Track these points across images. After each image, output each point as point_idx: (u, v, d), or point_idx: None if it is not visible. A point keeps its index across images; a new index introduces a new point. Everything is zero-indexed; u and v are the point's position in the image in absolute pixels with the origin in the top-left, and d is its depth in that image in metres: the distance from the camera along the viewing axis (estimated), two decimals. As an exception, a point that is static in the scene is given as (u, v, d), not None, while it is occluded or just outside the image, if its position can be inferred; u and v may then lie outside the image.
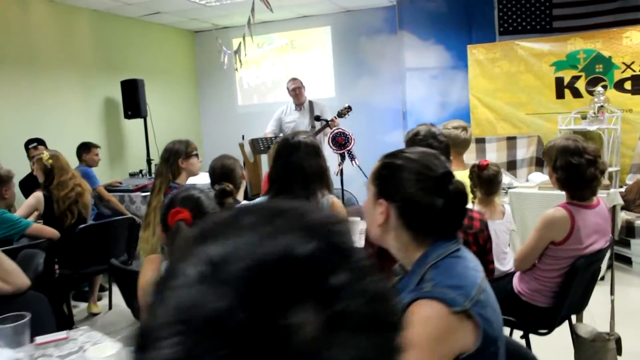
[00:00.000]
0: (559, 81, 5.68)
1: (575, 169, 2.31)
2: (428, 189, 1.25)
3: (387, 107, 7.03)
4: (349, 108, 5.56)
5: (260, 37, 7.79)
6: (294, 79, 5.94)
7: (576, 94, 5.61)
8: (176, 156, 3.42)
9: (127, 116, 6.50)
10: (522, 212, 4.50)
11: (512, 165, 5.66)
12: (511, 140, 5.71)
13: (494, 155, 5.71)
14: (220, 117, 8.13)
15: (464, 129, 3.29)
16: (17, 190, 4.40)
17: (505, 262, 2.72)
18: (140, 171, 6.22)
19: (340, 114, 5.55)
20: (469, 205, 2.86)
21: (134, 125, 6.75)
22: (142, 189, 5.68)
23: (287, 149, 2.43)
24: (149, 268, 1.93)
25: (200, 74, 8.31)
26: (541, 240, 2.36)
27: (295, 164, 2.43)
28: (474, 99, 6.16)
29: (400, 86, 6.87)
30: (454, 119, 6.73)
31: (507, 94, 5.99)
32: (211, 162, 3.18)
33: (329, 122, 5.52)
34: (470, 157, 5.78)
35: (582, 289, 2.38)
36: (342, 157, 5.28)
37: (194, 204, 1.73)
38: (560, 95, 5.70)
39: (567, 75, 5.63)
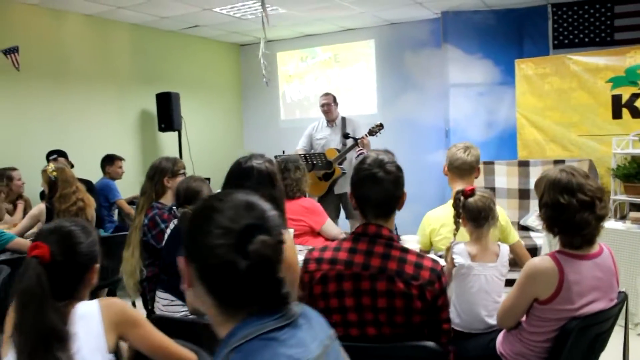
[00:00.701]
0: (615, 99, 5.07)
1: (562, 209, 1.89)
2: (230, 246, 0.96)
3: (430, 124, 6.60)
4: (381, 126, 5.22)
5: (304, 50, 7.61)
6: (325, 94, 5.66)
7: (635, 113, 4.99)
8: (162, 174, 3.25)
9: (160, 129, 6.47)
10: None
11: (558, 192, 5.11)
12: (558, 163, 5.16)
13: (539, 180, 5.18)
14: (263, 131, 7.99)
15: (467, 148, 2.90)
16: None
17: (493, 313, 2.30)
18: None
19: (372, 132, 5.22)
20: (452, 240, 2.51)
21: (169, 139, 6.72)
22: None
23: (237, 175, 2.17)
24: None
25: (245, 87, 8.22)
26: (523, 296, 1.94)
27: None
28: (521, 117, 5.64)
29: (443, 103, 6.44)
30: (501, 139, 6.27)
31: (558, 113, 5.43)
32: (178, 183, 2.96)
33: (358, 141, 5.20)
34: (512, 181, 5.29)
35: (580, 359, 1.93)
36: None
37: (61, 238, 1.50)
38: (617, 115, 5.08)
39: (625, 92, 5.02)
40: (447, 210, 2.83)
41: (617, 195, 4.84)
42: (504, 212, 2.87)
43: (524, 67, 5.61)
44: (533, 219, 5.02)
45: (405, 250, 1.79)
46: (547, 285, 1.88)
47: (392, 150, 6.36)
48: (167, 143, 6.82)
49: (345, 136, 5.34)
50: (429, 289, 1.71)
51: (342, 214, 5.75)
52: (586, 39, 5.80)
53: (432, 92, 6.56)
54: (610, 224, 4.14)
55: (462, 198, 2.36)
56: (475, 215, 2.32)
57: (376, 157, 1.83)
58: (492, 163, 5.36)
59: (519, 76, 5.63)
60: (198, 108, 7.30)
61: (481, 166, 5.50)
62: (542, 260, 1.93)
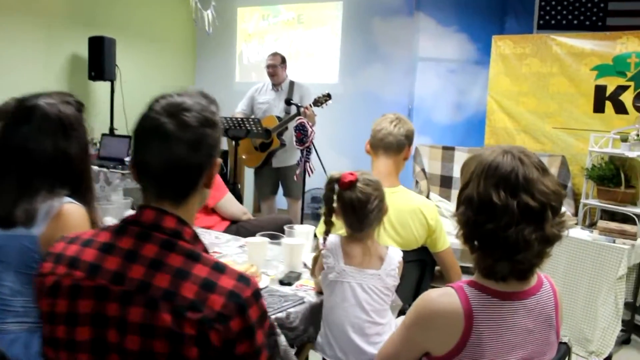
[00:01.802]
0: (599, 90, 4.42)
1: (491, 213, 1.20)
2: None
3: (393, 100, 5.89)
4: (328, 96, 4.52)
5: (266, 8, 6.84)
6: (273, 55, 4.93)
7: (620, 108, 4.34)
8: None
9: (90, 77, 5.68)
10: (570, 267, 3.33)
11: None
12: (527, 157, 4.52)
13: (502, 173, 4.54)
14: (216, 92, 7.15)
15: (398, 120, 2.23)
16: None
17: (373, 339, 1.64)
18: (91, 140, 5.37)
19: (317, 102, 4.53)
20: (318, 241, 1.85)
21: (102, 88, 5.95)
22: None
23: (12, 117, 1.47)
24: None
25: (200, 42, 7.43)
26: (408, 345, 1.28)
27: (15, 142, 1.47)
28: (493, 101, 4.97)
29: (410, 78, 5.74)
30: (470, 123, 5.59)
31: (533, 100, 4.77)
32: None
33: (300, 109, 4.50)
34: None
35: None
36: (302, 155, 4.28)
37: None
38: (599, 108, 4.44)
39: (611, 83, 4.37)
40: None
41: (589, 199, 4.22)
42: (435, 208, 2.20)
43: (501, 45, 4.92)
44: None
45: (197, 258, 1.05)
46: (444, 335, 1.20)
47: (349, 125, 5.69)
48: (99, 93, 6.04)
49: (287, 102, 4.63)
50: (218, 328, 0.98)
51: (281, 191, 5.08)
52: (575, 21, 5.12)
53: (399, 65, 5.84)
54: (575, 231, 3.51)
55: (336, 188, 1.68)
56: (351, 210, 1.65)
57: (173, 100, 1.10)
58: (452, 149, 4.70)
59: (495, 54, 4.95)
60: (141, 58, 6.51)
61: (438, 151, 4.88)
62: (443, 295, 1.24)
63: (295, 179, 4.44)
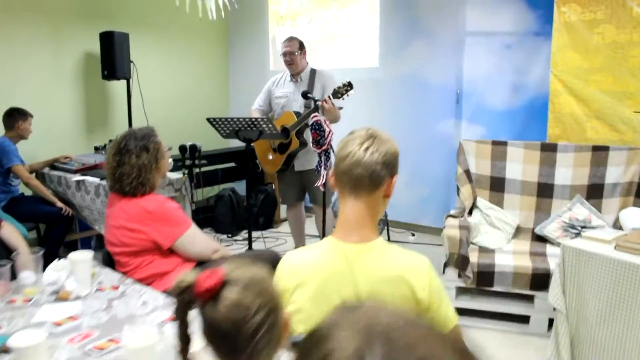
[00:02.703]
0: (696, 62, 3.45)
1: None
2: None
3: (440, 84, 5.08)
4: (349, 85, 3.80)
5: (298, -15, 6.15)
6: (289, 40, 4.26)
7: None
8: None
9: (104, 76, 5.24)
10: (578, 284, 2.56)
11: (596, 193, 3.57)
12: (600, 152, 3.60)
13: (568, 172, 3.64)
14: (249, 83, 6.63)
15: (371, 139, 1.51)
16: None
17: None
18: (104, 145, 4.96)
19: (336, 94, 3.83)
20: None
21: (121, 88, 5.51)
22: (85, 170, 4.42)
23: None
24: None
25: (233, 28, 6.86)
26: None
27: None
28: (557, 81, 4.07)
29: (457, 57, 4.89)
30: (531, 109, 4.67)
31: (609, 78, 3.84)
32: None
33: (317, 103, 3.82)
34: (530, 170, 3.79)
35: None
36: (320, 160, 3.62)
37: None
38: (696, 85, 3.47)
39: None
40: (316, 254, 1.51)
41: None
42: (430, 270, 1.47)
43: (566, 11, 3.99)
44: (554, 227, 3.53)
45: None
46: None
47: (392, 115, 4.93)
48: (116, 92, 5.63)
49: (304, 95, 3.95)
50: None
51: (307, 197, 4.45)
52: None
53: (445, 41, 5.00)
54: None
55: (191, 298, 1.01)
56: (217, 339, 0.98)
57: None
58: (504, 144, 3.85)
59: (559, 23, 4.03)
60: (160, 52, 6.04)
61: (487, 147, 4.00)
62: None
63: (319, 186, 3.78)
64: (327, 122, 3.57)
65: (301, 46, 4.21)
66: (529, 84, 4.54)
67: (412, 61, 5.25)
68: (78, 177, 4.24)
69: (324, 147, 3.63)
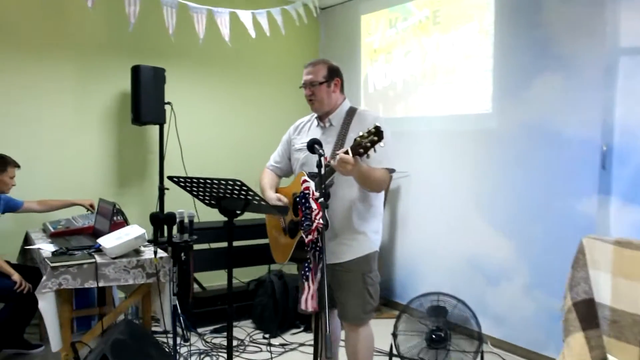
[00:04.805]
0: None
1: None
2: None
3: (579, 137, 3.22)
4: (377, 133, 2.22)
5: (394, 9, 4.73)
6: (313, 63, 2.78)
7: None
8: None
9: (133, 121, 4.27)
10: None
11: None
12: None
13: None
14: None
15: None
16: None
17: None
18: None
19: (358, 147, 2.28)
20: None
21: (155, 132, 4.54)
22: (58, 235, 3.45)
23: None
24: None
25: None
26: None
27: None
28: None
29: (603, 91, 3.02)
30: None
31: None
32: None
33: (322, 160, 2.29)
34: None
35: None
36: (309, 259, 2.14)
37: None
38: None
39: None
40: None
41: None
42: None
43: None
44: None
45: None
46: None
47: (502, 184, 3.33)
48: (149, 136, 4.66)
49: (310, 148, 2.43)
50: None
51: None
52: None
53: (586, 70, 3.17)
54: None
55: None
56: None
57: None
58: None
59: None
60: (207, 87, 4.98)
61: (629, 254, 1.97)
62: None
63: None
64: (315, 197, 2.07)
65: (332, 74, 2.71)
66: None
67: (537, 103, 3.46)
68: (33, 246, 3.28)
69: (310, 237, 2.12)
